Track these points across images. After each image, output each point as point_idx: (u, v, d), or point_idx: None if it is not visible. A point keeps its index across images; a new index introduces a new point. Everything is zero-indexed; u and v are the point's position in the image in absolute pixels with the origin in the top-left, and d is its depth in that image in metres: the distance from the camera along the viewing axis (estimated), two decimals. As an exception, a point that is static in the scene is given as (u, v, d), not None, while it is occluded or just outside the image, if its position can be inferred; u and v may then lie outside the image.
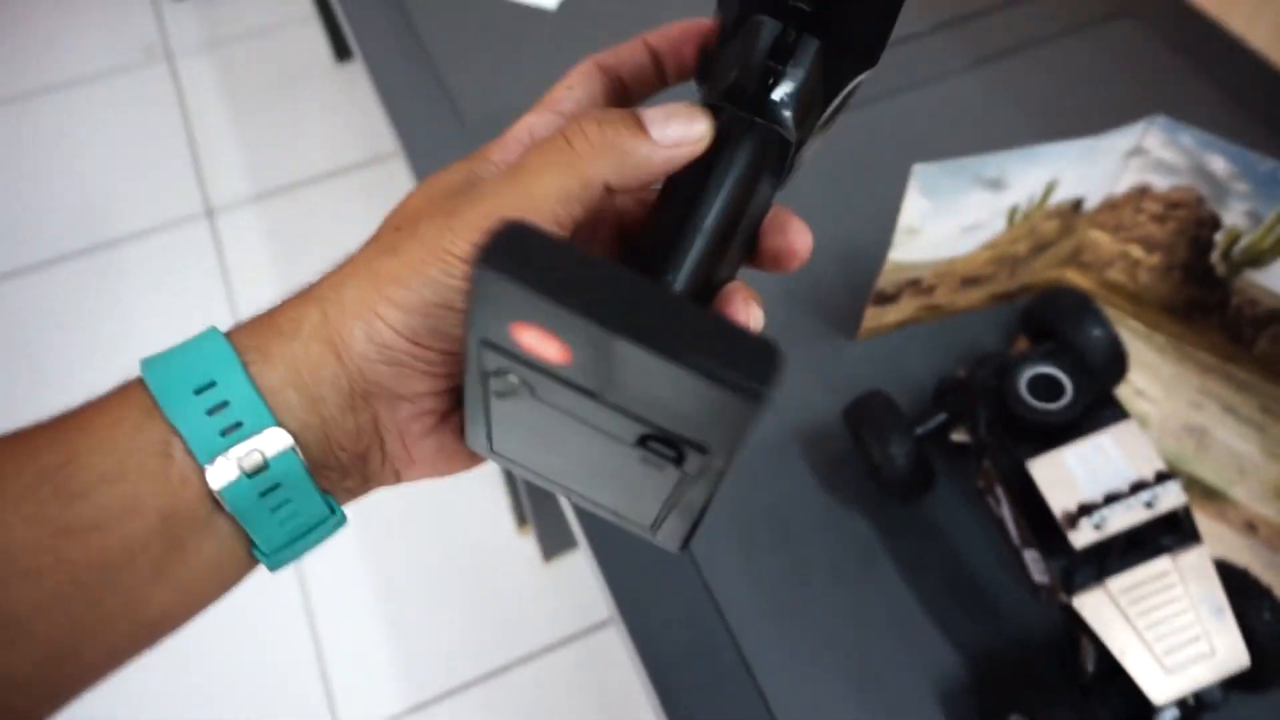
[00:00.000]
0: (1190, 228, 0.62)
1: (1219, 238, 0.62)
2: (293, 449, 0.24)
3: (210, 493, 0.24)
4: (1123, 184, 0.63)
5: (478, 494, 1.40)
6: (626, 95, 0.30)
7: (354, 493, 0.28)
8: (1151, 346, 0.65)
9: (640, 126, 0.26)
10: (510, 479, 1.30)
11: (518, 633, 1.30)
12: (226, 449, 0.24)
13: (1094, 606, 0.46)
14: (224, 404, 0.24)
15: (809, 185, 0.76)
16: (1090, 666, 0.49)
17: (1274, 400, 0.63)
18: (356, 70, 2.00)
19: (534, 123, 0.28)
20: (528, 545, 1.35)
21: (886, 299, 0.65)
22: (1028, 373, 0.51)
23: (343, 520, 0.27)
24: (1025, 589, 0.51)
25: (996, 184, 0.58)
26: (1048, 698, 0.47)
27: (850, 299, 0.69)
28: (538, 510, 1.28)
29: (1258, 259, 0.61)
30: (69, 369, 1.56)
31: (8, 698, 0.22)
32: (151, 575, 0.23)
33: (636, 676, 0.56)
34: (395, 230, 0.26)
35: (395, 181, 1.77)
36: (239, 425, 0.24)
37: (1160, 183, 0.62)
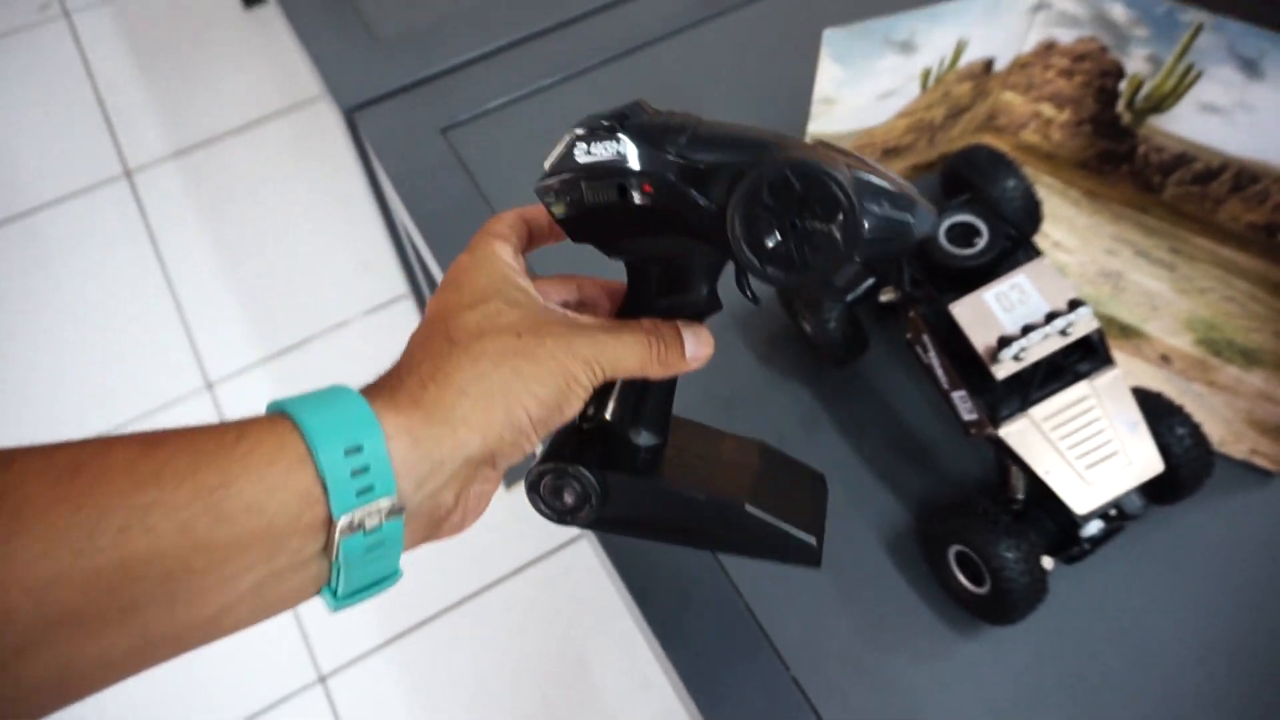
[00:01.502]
0: (1096, 79, 0.64)
1: (1123, 86, 0.64)
2: (402, 516, 0.29)
3: (329, 539, 0.27)
4: (1030, 41, 0.64)
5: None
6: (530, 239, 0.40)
7: (414, 546, 0.32)
8: (1067, 201, 0.67)
9: (682, 351, 0.37)
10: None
11: (485, 560, 1.32)
12: (356, 507, 0.27)
13: (1019, 434, 0.49)
14: (365, 468, 0.27)
15: (727, 67, 0.76)
16: (1020, 494, 0.52)
17: (1182, 241, 0.66)
18: (267, 14, 1.94)
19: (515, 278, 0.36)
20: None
21: (811, 175, 0.66)
22: (946, 222, 0.53)
23: (400, 576, 0.31)
24: (958, 430, 0.53)
25: (907, 46, 0.59)
26: (983, 528, 0.50)
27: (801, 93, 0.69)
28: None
29: (1160, 104, 0.63)
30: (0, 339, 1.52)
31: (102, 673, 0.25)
32: (245, 594, 0.27)
33: (610, 584, 0.57)
34: (517, 337, 0.32)
35: (319, 127, 1.73)
36: (371, 488, 0.28)
37: (1065, 36, 0.63)
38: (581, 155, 0.35)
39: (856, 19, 0.57)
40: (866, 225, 0.32)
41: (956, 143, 0.69)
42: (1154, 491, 0.53)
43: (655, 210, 0.35)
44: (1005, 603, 0.50)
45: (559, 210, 0.36)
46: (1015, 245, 0.53)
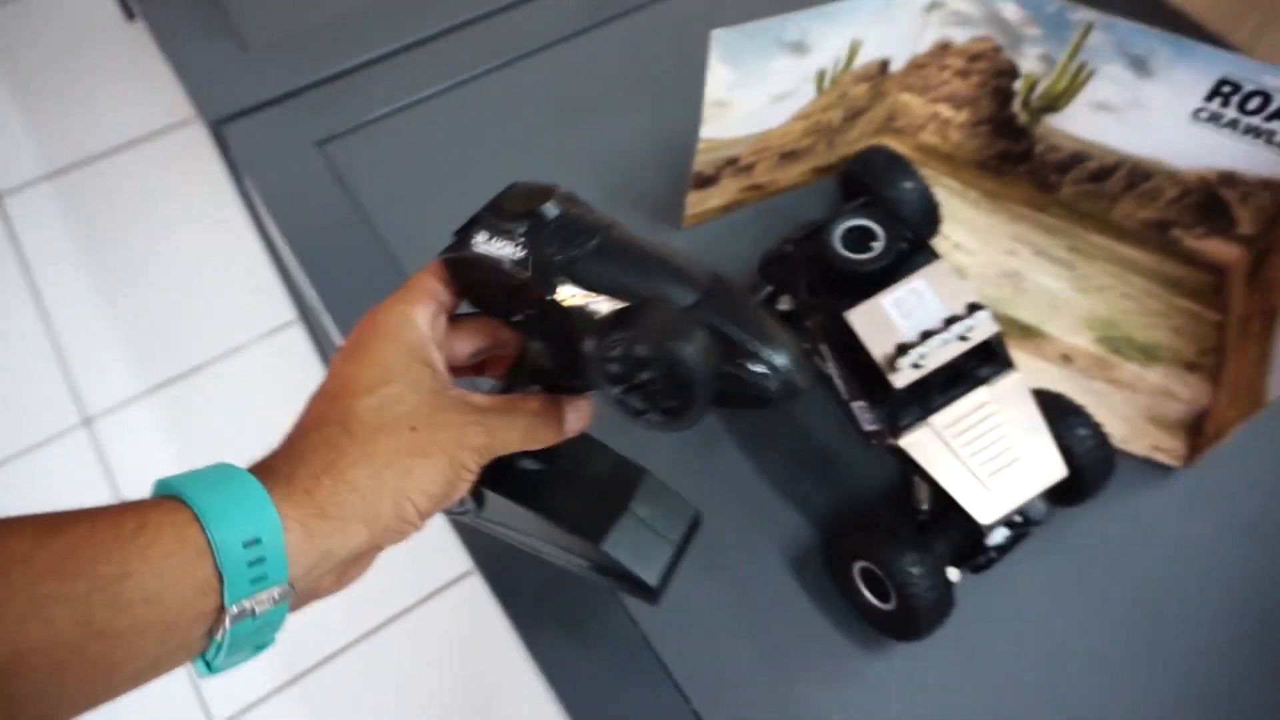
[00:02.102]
0: (991, 79, 0.63)
1: (1018, 86, 0.63)
2: (289, 600, 0.30)
3: (218, 623, 0.29)
4: (925, 41, 0.63)
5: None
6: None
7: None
8: (966, 202, 0.66)
9: (561, 426, 0.39)
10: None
11: (387, 593, 1.26)
12: (250, 594, 0.29)
13: (920, 444, 0.47)
14: (261, 559, 0.29)
15: (618, 73, 0.74)
16: (925, 504, 0.50)
17: (1080, 240, 0.65)
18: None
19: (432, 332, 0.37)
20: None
21: (706, 181, 0.63)
22: (841, 226, 0.51)
23: (273, 644, 0.32)
24: (859, 441, 0.51)
25: (799, 47, 0.57)
26: (887, 542, 0.48)
27: (671, 188, 0.67)
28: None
29: (1054, 103, 0.62)
30: None
31: None
32: (135, 674, 0.28)
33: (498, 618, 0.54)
34: (411, 431, 0.33)
35: (205, 144, 1.64)
36: (265, 577, 0.29)
37: (960, 35, 0.62)
38: (480, 244, 0.37)
39: (748, 20, 0.55)
40: (721, 386, 0.34)
41: (856, 145, 0.68)
42: (1058, 494, 0.51)
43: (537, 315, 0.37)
44: (912, 618, 0.48)
45: (460, 279, 0.38)
46: (913, 249, 0.51)
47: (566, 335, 0.36)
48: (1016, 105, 0.64)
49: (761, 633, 0.52)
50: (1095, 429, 0.51)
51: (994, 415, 0.48)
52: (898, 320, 0.47)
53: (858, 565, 0.50)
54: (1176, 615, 0.53)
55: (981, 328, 0.47)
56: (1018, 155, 0.66)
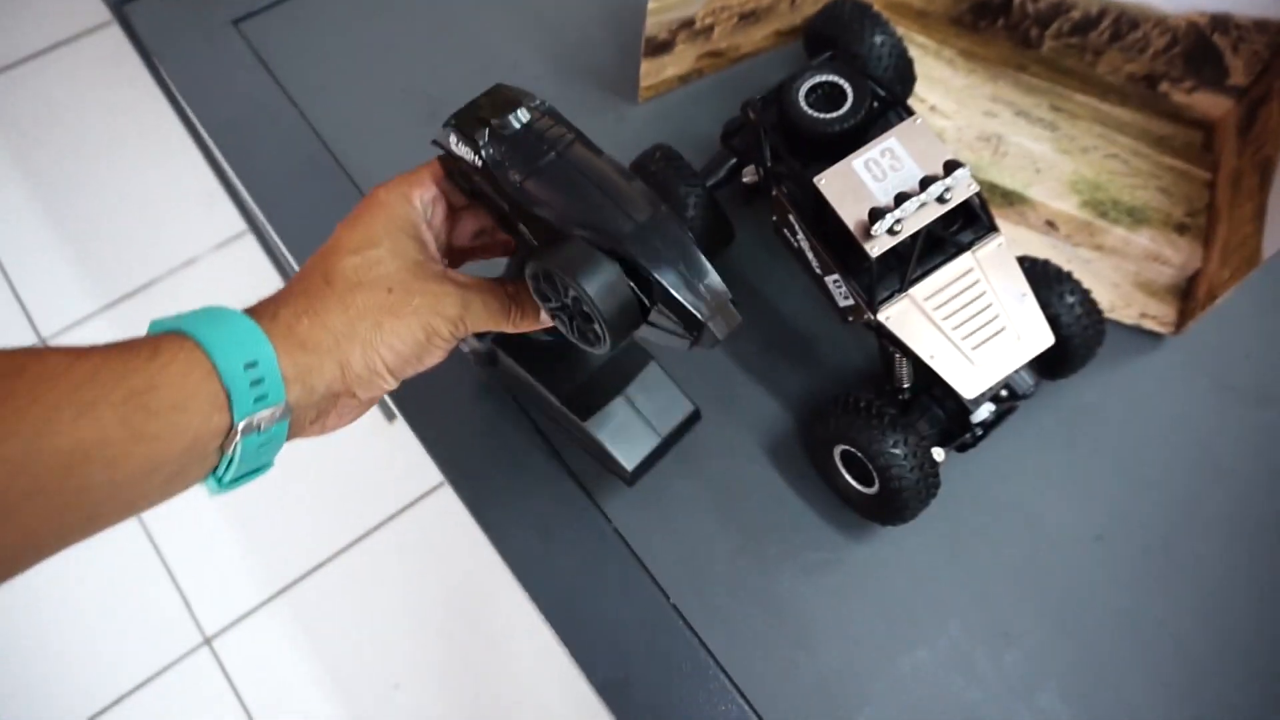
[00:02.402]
0: (966, -81, 0.58)
1: (995, -74, 0.57)
2: (289, 418, 0.33)
3: (229, 437, 0.32)
4: (893, -122, 0.57)
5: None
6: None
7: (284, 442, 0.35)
8: (941, 61, 0.62)
9: (537, 315, 0.39)
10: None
11: (370, 500, 1.24)
12: (254, 412, 0.32)
13: (899, 317, 0.44)
14: (261, 380, 0.32)
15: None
16: (906, 382, 0.48)
17: (1063, 99, 0.61)
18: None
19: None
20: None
21: (661, 47, 0.58)
22: (806, 84, 0.46)
23: (272, 466, 0.35)
24: (835, 318, 0.48)
25: (756, -115, 0.51)
26: (868, 424, 0.45)
27: (625, 59, 0.62)
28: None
29: (1035, -56, 0.57)
30: None
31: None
32: (165, 480, 0.31)
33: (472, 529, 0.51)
34: (387, 292, 0.35)
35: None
36: (265, 396, 0.32)
37: None
38: (453, 143, 0.38)
39: None
40: (640, 319, 0.36)
41: (821, 3, 0.62)
42: (1044, 366, 0.49)
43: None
44: (896, 502, 0.45)
45: (450, 172, 0.40)
46: (886, 107, 0.47)
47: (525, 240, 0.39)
48: (996, -51, 0.59)
49: (739, 522, 0.50)
50: (1084, 296, 0.48)
51: (977, 283, 0.45)
52: (870, 184, 0.43)
53: (838, 449, 0.47)
54: (1166, 490, 0.51)
55: (961, 187, 0.43)
56: (996, 7, 0.61)
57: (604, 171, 0.36)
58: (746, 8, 0.59)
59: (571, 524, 0.49)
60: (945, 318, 0.44)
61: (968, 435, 0.48)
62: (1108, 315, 0.55)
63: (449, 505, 1.22)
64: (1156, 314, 0.56)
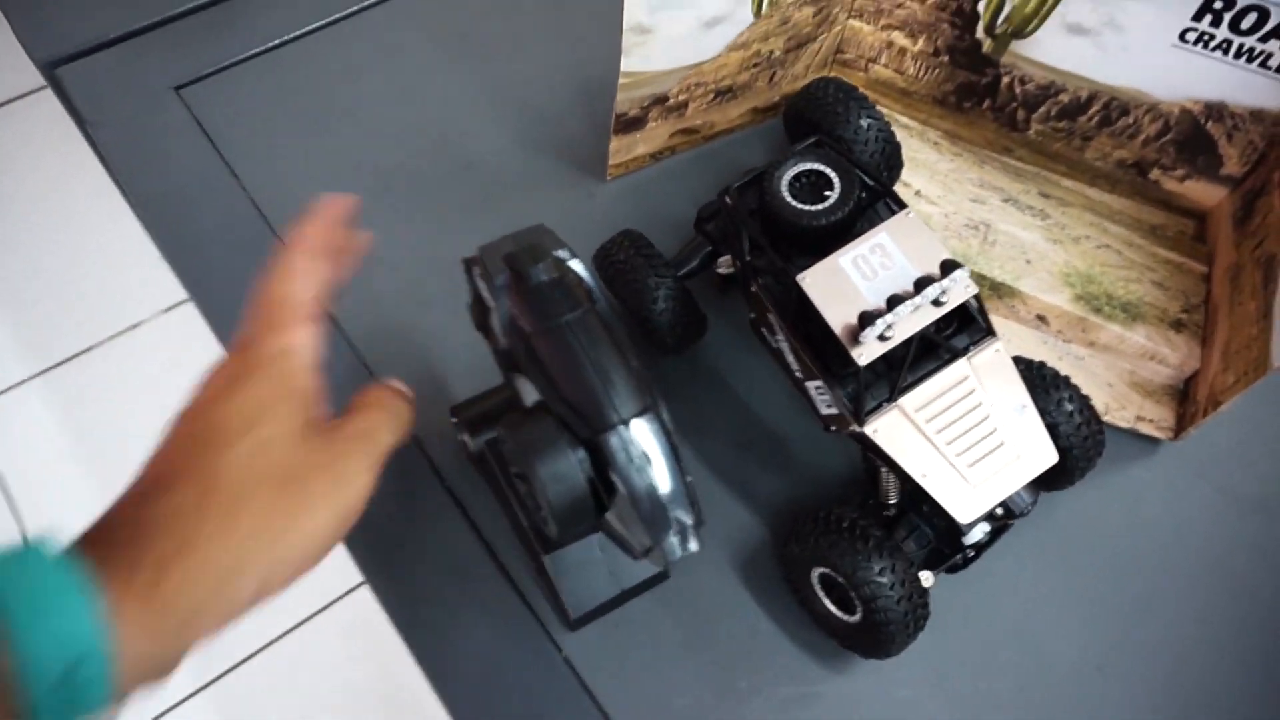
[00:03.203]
0: (950, 0, 0.55)
1: (982, 7, 0.55)
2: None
3: None
4: (875, -44, 0.55)
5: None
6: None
7: None
8: (926, 143, 0.59)
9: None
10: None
11: (303, 591, 1.17)
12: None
13: (888, 430, 0.40)
14: (84, 684, 0.23)
15: (524, 7, 0.64)
16: (892, 498, 0.43)
17: (1052, 185, 0.58)
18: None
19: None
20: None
21: (632, 124, 0.54)
22: (788, 172, 0.42)
23: None
24: (816, 423, 0.43)
25: (733, -41, 0.48)
26: (850, 547, 0.40)
27: (595, 135, 0.58)
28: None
29: (1023, 27, 0.55)
30: None
31: None
32: None
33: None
34: (281, 488, 0.28)
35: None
36: (84, 703, 0.23)
37: (914, -51, 0.54)
38: (475, 274, 0.37)
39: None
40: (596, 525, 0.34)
41: (800, 81, 0.60)
42: (1041, 478, 0.45)
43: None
44: (881, 634, 0.41)
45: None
46: (874, 198, 0.43)
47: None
48: (980, 31, 0.56)
49: (705, 649, 0.44)
50: (1083, 403, 0.45)
51: (973, 393, 0.40)
52: (860, 283, 0.39)
53: (816, 572, 0.43)
54: (1172, 609, 0.47)
55: (958, 289, 0.39)
56: (982, 89, 0.59)
57: (605, 353, 0.33)
58: (723, 85, 0.56)
59: (515, 647, 0.44)
60: (938, 431, 0.40)
61: (959, 557, 0.44)
62: (1102, 417, 0.51)
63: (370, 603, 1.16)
64: (1154, 417, 0.52)
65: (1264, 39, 0.50)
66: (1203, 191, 0.57)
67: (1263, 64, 0.51)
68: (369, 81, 0.61)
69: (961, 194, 0.57)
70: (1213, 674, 0.46)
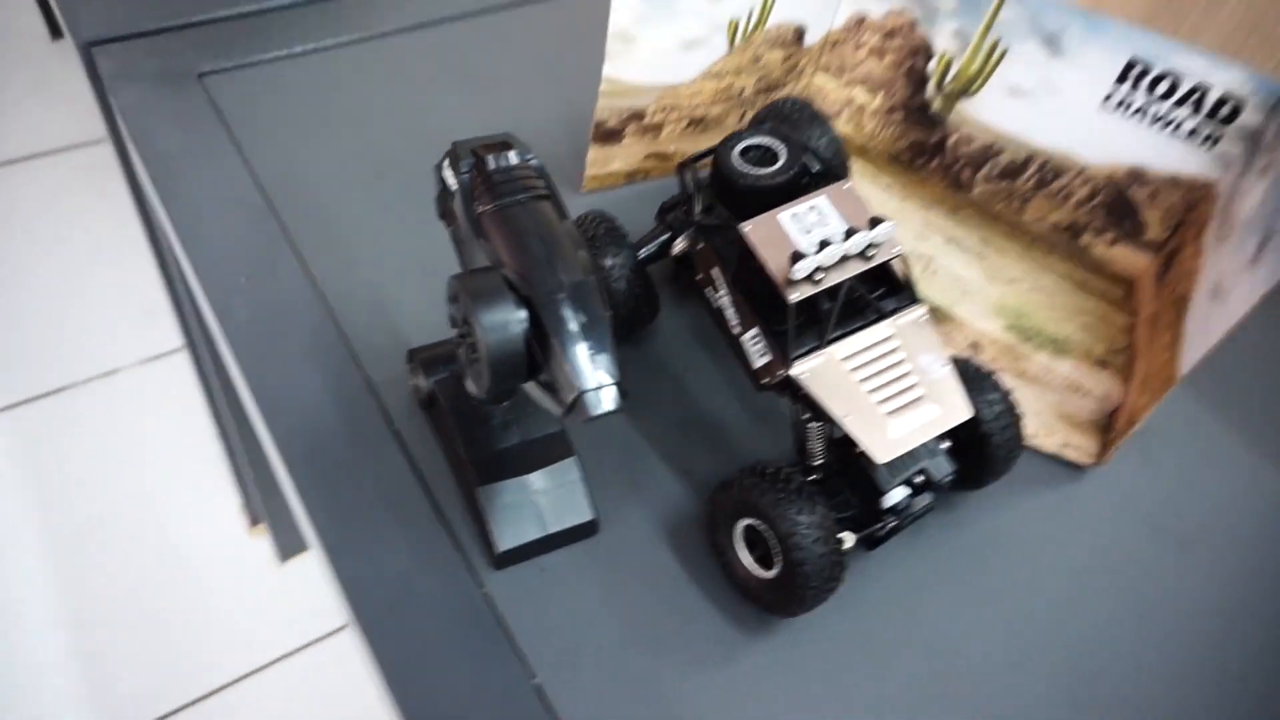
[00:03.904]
0: (906, 58, 0.62)
1: (933, 66, 0.61)
2: None
3: None
4: (841, 15, 0.62)
5: (199, 492, 1.22)
6: None
7: None
8: (878, 186, 0.64)
9: None
10: (240, 477, 1.14)
11: (245, 645, 1.13)
12: None
13: (815, 373, 0.42)
14: None
15: (526, 54, 0.70)
16: (819, 458, 0.45)
17: (991, 234, 0.63)
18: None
19: None
20: (260, 546, 1.19)
21: (609, 135, 0.59)
22: (741, 143, 0.47)
23: None
24: (751, 383, 0.46)
25: (710, -10, 0.55)
26: (775, 491, 0.42)
27: (574, 155, 0.63)
28: (271, 505, 1.13)
29: (968, 86, 0.61)
30: None
31: None
32: None
33: (372, 682, 0.46)
34: None
35: (112, 166, 1.58)
36: None
37: (876, 9, 0.61)
38: (444, 166, 0.40)
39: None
40: (529, 377, 0.36)
41: (768, 127, 0.65)
42: (963, 471, 0.47)
43: None
44: (797, 583, 0.41)
45: None
46: (821, 179, 0.47)
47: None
48: (931, 89, 0.62)
49: (626, 605, 0.44)
50: (1004, 395, 0.47)
51: (896, 350, 0.43)
52: (795, 235, 0.43)
53: (741, 524, 0.44)
54: (1080, 618, 0.48)
55: (886, 245, 0.43)
56: (931, 148, 0.64)
57: (555, 230, 0.37)
58: (696, 113, 0.61)
59: (435, 576, 0.44)
60: (862, 379, 0.42)
61: (878, 525, 0.45)
62: (1030, 442, 0.53)
63: (342, 651, 1.11)
64: (1079, 444, 0.54)
65: (1177, 105, 0.56)
66: (1130, 258, 0.62)
67: (1175, 129, 0.56)
68: (378, 95, 0.66)
69: (907, 230, 0.61)
70: (1128, 684, 0.46)
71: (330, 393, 0.49)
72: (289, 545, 1.17)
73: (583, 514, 0.45)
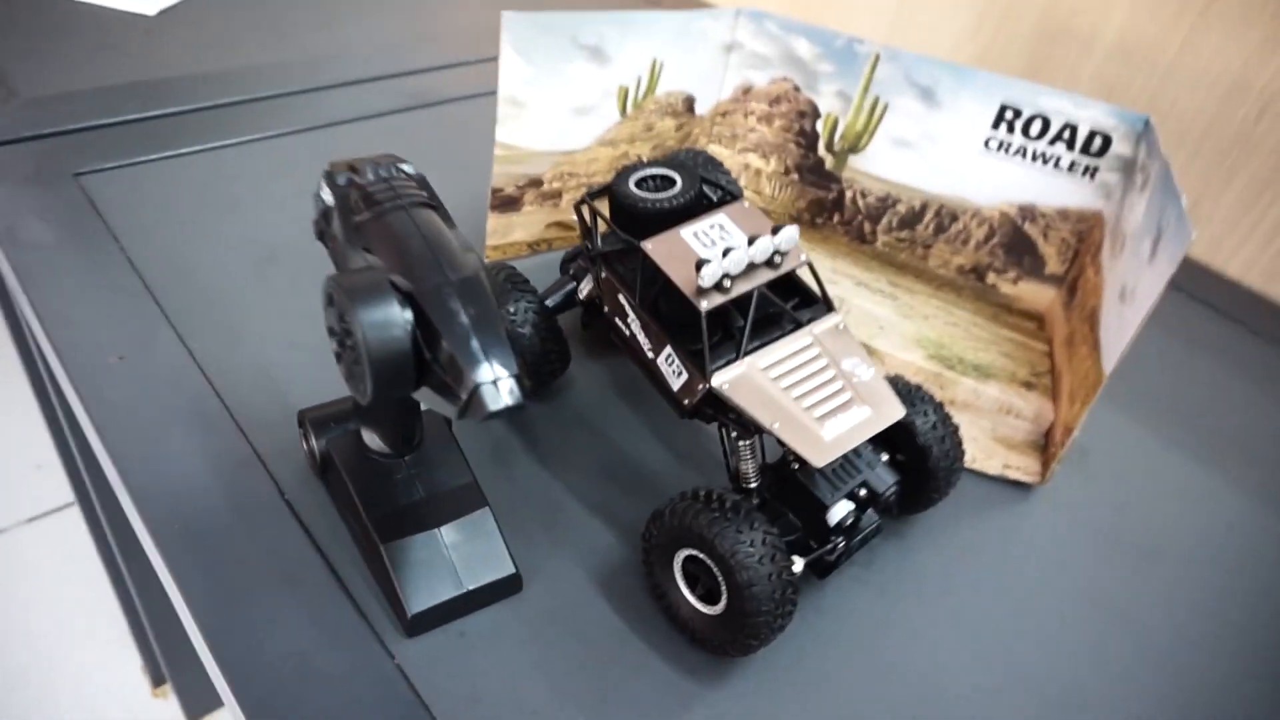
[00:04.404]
0: (794, 121, 0.64)
1: (820, 127, 0.63)
2: None
3: None
4: (728, 85, 0.64)
5: (97, 653, 1.10)
6: None
7: None
8: (782, 243, 0.64)
9: None
10: (141, 634, 1.03)
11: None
12: None
13: (737, 384, 0.40)
14: None
15: (423, 152, 0.68)
16: (752, 479, 0.42)
17: (898, 277, 0.63)
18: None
19: None
20: (166, 707, 1.06)
21: (508, 203, 0.59)
22: (636, 175, 0.46)
23: None
24: (675, 410, 0.43)
25: (598, 54, 0.56)
26: (716, 514, 0.38)
27: (477, 222, 0.62)
28: (176, 663, 1.02)
29: (856, 143, 0.63)
30: None
31: None
32: None
33: None
34: None
35: None
36: None
37: (760, 78, 0.63)
38: (321, 188, 0.38)
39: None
40: (417, 376, 0.33)
41: (669, 198, 0.66)
42: (908, 490, 0.44)
43: None
44: (747, 613, 0.37)
45: None
46: (718, 204, 0.47)
47: None
48: (822, 148, 0.64)
49: (562, 662, 0.39)
50: (937, 406, 0.46)
51: (819, 357, 0.41)
52: (699, 249, 0.42)
53: (679, 557, 0.40)
54: (1066, 639, 0.44)
55: (792, 253, 0.42)
56: (830, 204, 0.66)
57: (440, 232, 0.35)
58: (594, 180, 0.61)
59: (339, 652, 0.38)
60: (786, 387, 0.40)
61: (827, 548, 0.41)
62: (971, 466, 0.52)
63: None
64: (1019, 465, 0.53)
65: (1051, 143, 0.58)
66: (1035, 293, 0.63)
67: (1056, 165, 0.59)
68: (267, 189, 0.65)
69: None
70: (1118, 698, 0.42)
71: (212, 468, 0.44)
72: (197, 705, 1.05)
73: (503, 568, 0.41)
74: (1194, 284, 0.71)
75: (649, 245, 0.42)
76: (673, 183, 0.46)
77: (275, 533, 0.42)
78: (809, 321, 0.43)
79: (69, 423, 0.88)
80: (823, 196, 0.65)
